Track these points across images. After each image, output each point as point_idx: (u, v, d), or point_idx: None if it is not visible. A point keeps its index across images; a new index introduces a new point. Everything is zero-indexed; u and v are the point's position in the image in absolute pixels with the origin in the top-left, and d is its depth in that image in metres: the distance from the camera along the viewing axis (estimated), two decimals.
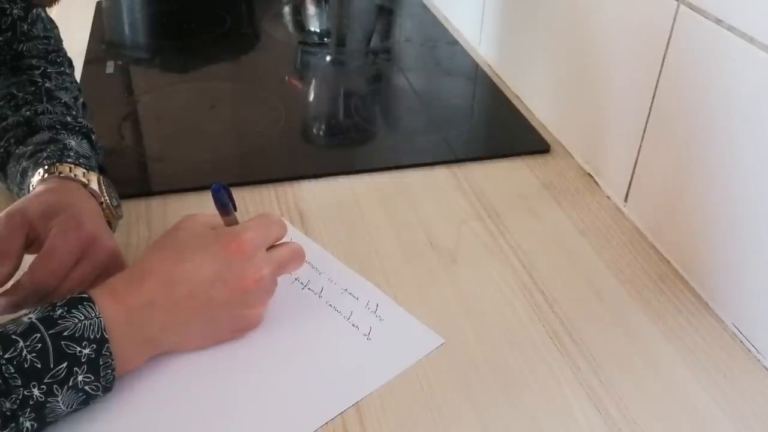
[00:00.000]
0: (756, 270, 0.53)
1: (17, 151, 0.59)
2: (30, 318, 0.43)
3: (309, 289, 0.58)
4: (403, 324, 0.55)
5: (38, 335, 0.42)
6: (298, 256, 0.54)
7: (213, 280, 0.49)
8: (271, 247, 0.53)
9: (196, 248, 0.50)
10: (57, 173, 0.55)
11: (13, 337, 0.42)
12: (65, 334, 0.43)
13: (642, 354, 0.54)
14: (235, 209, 0.53)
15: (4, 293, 0.49)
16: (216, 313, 0.50)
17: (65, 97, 0.65)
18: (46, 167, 0.56)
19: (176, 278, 0.48)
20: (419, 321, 0.55)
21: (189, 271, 0.48)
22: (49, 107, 0.63)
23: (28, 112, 0.61)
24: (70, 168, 0.56)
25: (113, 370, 0.45)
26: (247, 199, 0.69)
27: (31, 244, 0.52)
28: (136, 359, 0.48)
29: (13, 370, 0.41)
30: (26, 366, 0.41)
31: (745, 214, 0.53)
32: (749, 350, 0.54)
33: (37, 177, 0.56)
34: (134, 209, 0.66)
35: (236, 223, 0.53)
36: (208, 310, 0.49)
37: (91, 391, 0.44)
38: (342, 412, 0.48)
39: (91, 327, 0.44)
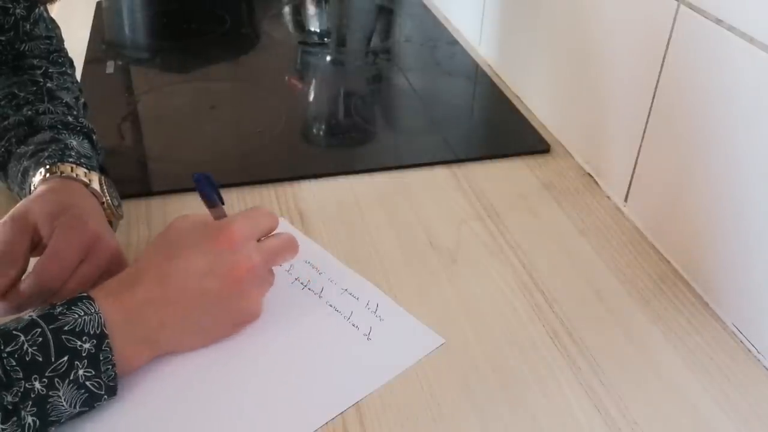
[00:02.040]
0: (756, 270, 0.53)
1: (18, 150, 0.59)
2: (30, 316, 0.44)
3: (309, 289, 0.58)
4: (403, 324, 0.55)
5: (39, 329, 0.43)
6: (290, 246, 0.54)
7: (204, 273, 0.49)
8: (263, 239, 0.53)
9: (186, 244, 0.50)
10: (58, 173, 0.56)
11: (14, 332, 0.43)
12: (66, 328, 0.44)
13: (642, 354, 0.54)
14: (222, 202, 0.53)
15: (9, 295, 0.50)
16: (211, 306, 0.50)
17: (66, 97, 0.65)
18: (47, 167, 0.56)
19: (168, 274, 0.49)
20: (419, 321, 0.55)
21: (180, 266, 0.49)
22: (51, 107, 0.63)
23: (29, 112, 0.61)
24: (72, 168, 0.56)
25: (114, 365, 0.45)
26: (247, 199, 0.69)
27: (36, 245, 0.52)
28: (137, 358, 0.48)
29: (14, 363, 0.42)
30: (27, 359, 0.42)
31: (746, 214, 0.54)
32: (749, 350, 0.54)
33: (38, 177, 0.56)
34: (134, 209, 0.66)
35: (224, 216, 0.53)
36: (202, 304, 0.50)
37: (93, 388, 0.45)
38: (342, 412, 0.48)
39: (91, 322, 0.45)
